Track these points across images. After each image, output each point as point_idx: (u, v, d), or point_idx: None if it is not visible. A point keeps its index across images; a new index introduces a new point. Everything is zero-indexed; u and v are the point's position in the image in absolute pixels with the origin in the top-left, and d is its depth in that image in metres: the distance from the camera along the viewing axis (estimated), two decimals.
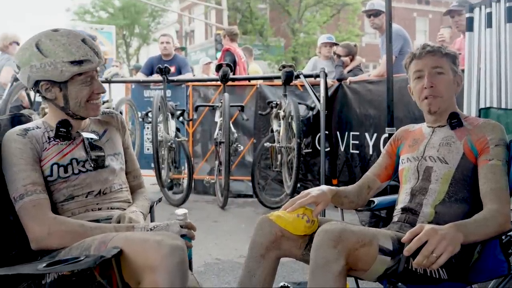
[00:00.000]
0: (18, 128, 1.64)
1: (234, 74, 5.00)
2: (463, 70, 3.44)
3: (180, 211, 1.64)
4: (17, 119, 1.78)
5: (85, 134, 1.72)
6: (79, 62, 1.59)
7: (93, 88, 1.66)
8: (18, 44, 5.55)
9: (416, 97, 1.89)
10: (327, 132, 4.29)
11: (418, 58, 1.85)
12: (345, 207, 1.99)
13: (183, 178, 5.71)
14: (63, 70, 1.58)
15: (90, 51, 1.62)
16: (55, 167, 1.61)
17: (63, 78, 1.59)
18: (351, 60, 5.80)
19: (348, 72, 5.63)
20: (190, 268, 1.63)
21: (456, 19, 4.23)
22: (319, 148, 4.98)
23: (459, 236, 1.44)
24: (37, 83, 1.61)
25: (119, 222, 1.63)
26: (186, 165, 5.19)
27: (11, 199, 1.54)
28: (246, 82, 5.79)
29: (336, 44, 6.04)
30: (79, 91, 1.63)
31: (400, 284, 1.57)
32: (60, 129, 1.66)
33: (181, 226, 1.58)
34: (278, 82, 5.18)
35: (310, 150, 5.27)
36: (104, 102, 5.54)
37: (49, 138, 1.65)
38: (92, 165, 1.68)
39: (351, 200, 1.96)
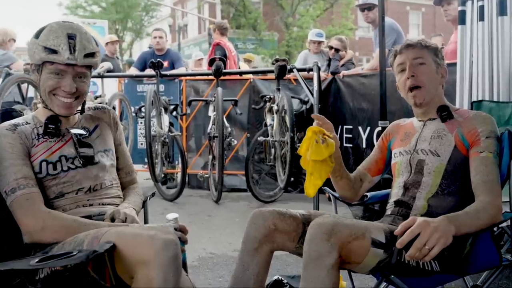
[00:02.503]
0: (8, 123, 1.63)
1: (225, 68, 5.00)
2: (455, 63, 3.46)
3: (171, 215, 1.63)
4: (8, 114, 1.77)
5: (74, 131, 1.70)
6: (50, 50, 1.59)
7: (60, 84, 1.62)
8: (15, 41, 5.57)
9: (401, 91, 1.90)
10: None
11: (400, 53, 1.88)
12: (342, 184, 1.95)
13: (176, 173, 5.72)
14: (35, 52, 1.60)
15: (65, 44, 1.59)
16: (44, 164, 1.61)
17: (34, 60, 1.62)
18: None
19: (341, 66, 5.63)
20: (186, 270, 1.63)
21: (445, 8, 4.26)
22: None
23: (451, 228, 1.45)
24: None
25: (112, 218, 1.62)
26: (179, 159, 5.19)
27: (2, 196, 1.53)
28: (239, 77, 5.78)
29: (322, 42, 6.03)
30: (46, 80, 1.62)
31: (393, 276, 1.57)
32: (49, 126, 1.65)
33: (175, 229, 1.58)
34: (272, 76, 5.17)
35: None
36: (96, 97, 5.52)
37: (38, 135, 1.64)
38: (81, 161, 1.67)
39: (349, 180, 1.95)
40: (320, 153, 1.70)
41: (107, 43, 7.21)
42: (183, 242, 1.60)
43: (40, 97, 1.67)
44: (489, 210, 1.58)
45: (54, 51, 1.58)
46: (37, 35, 1.61)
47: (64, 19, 1.70)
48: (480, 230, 1.56)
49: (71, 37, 1.60)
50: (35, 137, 1.64)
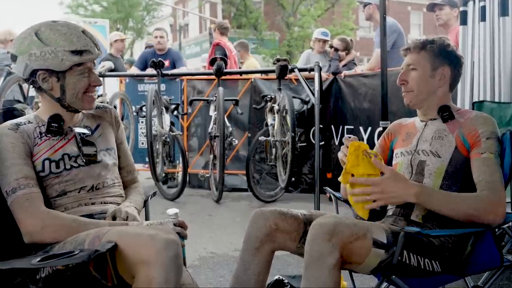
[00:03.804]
0: (10, 122, 1.63)
1: (225, 68, 5.00)
2: None
3: (171, 210, 1.64)
4: (10, 113, 1.77)
5: (77, 129, 1.71)
6: (80, 52, 1.60)
7: (90, 80, 1.67)
8: None
9: None
10: (321, 126, 4.30)
11: (404, 55, 1.92)
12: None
13: (177, 172, 5.72)
14: (64, 59, 1.58)
15: (90, 42, 1.63)
16: (46, 162, 1.61)
17: (62, 67, 1.59)
18: (346, 54, 5.81)
19: (343, 66, 5.63)
20: (185, 265, 1.63)
21: (437, 13, 4.31)
22: (313, 141, 4.99)
23: (408, 197, 1.59)
24: (33, 72, 1.60)
25: (114, 216, 1.63)
26: (180, 159, 5.19)
27: (2, 195, 1.53)
28: (240, 76, 5.79)
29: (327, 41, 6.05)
30: (77, 82, 1.63)
31: (394, 276, 1.57)
32: (52, 124, 1.65)
33: (174, 224, 1.58)
34: (273, 76, 5.17)
35: (305, 144, 5.27)
36: (98, 97, 5.51)
37: (40, 133, 1.64)
38: (84, 160, 1.67)
39: None
40: (374, 167, 1.66)
41: (115, 41, 7.12)
42: (183, 237, 1.61)
43: (61, 97, 1.64)
44: (483, 203, 1.58)
45: (84, 52, 1.60)
46: (44, 43, 1.57)
47: (65, 18, 1.69)
48: (461, 216, 1.59)
49: (84, 33, 1.64)
50: (38, 136, 1.63)
